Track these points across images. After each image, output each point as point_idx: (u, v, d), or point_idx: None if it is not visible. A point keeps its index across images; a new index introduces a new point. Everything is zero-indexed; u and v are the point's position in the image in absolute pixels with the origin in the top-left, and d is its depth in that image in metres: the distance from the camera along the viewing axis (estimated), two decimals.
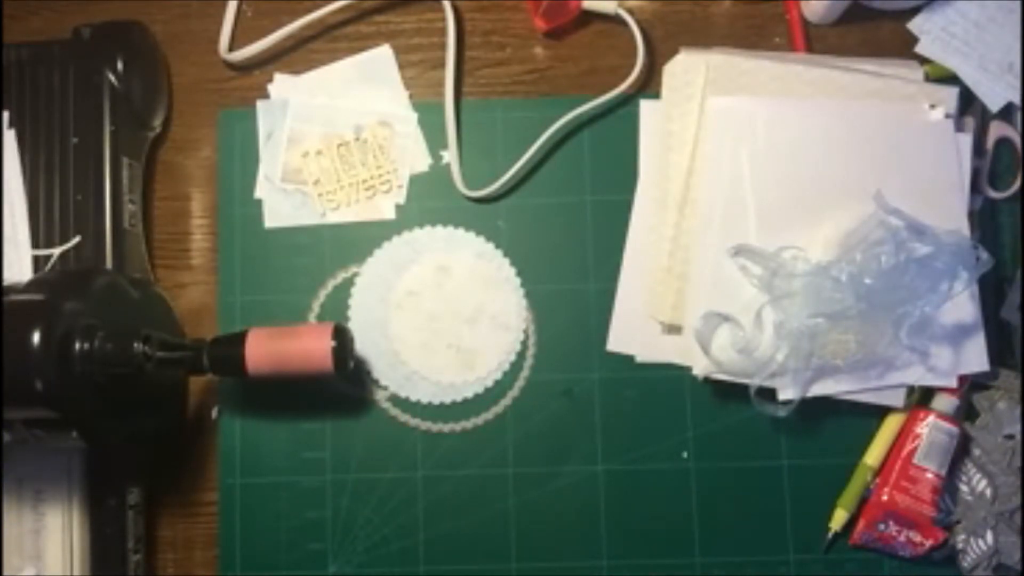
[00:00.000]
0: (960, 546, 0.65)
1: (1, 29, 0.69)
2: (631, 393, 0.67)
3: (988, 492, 0.65)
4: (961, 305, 0.63)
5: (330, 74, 0.71)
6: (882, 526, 0.65)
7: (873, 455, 0.66)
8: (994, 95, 0.69)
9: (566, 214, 0.69)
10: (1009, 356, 0.67)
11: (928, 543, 0.64)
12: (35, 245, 0.65)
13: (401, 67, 0.71)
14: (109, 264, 0.64)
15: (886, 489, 0.65)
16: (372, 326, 0.68)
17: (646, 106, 0.69)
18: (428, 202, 0.69)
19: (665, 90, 0.67)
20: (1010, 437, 0.66)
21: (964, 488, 0.66)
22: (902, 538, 0.64)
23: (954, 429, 0.65)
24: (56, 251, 0.64)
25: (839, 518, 0.65)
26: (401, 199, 0.69)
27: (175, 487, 0.67)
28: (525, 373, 0.68)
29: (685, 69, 0.66)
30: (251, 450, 0.67)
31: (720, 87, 0.66)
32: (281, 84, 0.71)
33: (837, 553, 0.66)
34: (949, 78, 0.69)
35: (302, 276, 0.69)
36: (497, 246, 0.69)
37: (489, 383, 0.68)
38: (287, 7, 0.71)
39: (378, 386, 0.68)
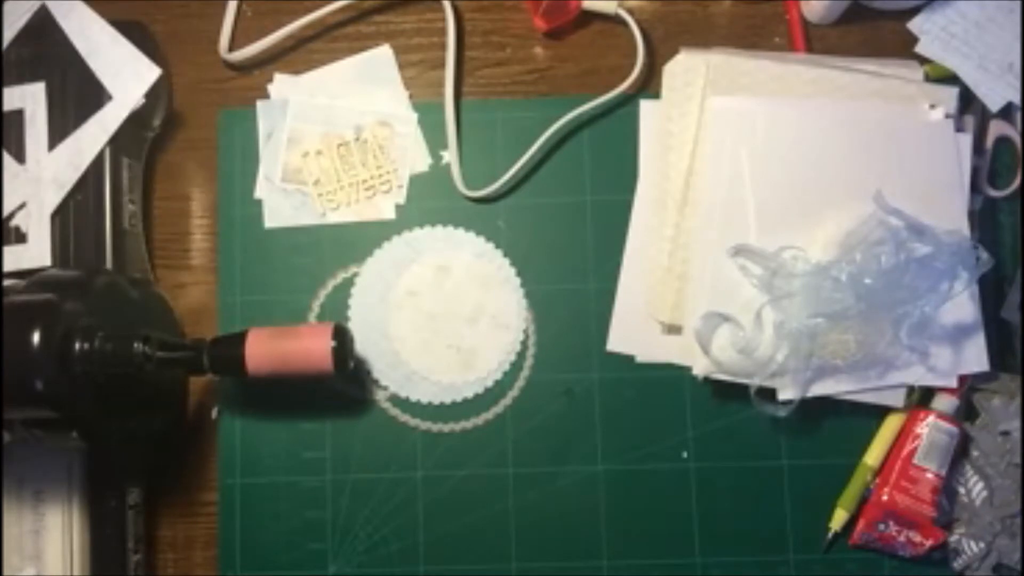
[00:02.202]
0: (953, 546, 0.65)
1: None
2: (631, 393, 0.67)
3: (985, 495, 0.65)
4: (961, 305, 0.63)
5: (330, 74, 0.71)
6: (882, 526, 0.65)
7: (873, 455, 0.66)
8: (994, 95, 0.69)
9: (566, 214, 0.69)
10: (1009, 356, 0.67)
11: (928, 543, 0.64)
12: None
13: (401, 67, 0.71)
14: (109, 264, 0.64)
15: (886, 489, 0.65)
16: (372, 326, 0.68)
17: (646, 106, 0.69)
18: (428, 202, 0.69)
19: (665, 90, 0.67)
20: (1006, 434, 0.66)
21: (961, 491, 0.66)
22: (902, 538, 0.64)
23: (954, 429, 0.65)
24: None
25: (839, 518, 0.65)
26: (401, 199, 0.69)
27: (175, 487, 0.67)
28: (525, 373, 0.68)
29: (685, 69, 0.66)
30: (251, 450, 0.67)
31: (720, 87, 0.65)
32: (281, 84, 0.71)
33: (837, 553, 0.66)
34: (949, 78, 0.69)
35: (302, 276, 0.69)
36: (497, 246, 0.69)
37: (489, 383, 0.68)
38: (287, 7, 0.71)
39: (378, 386, 0.68)
